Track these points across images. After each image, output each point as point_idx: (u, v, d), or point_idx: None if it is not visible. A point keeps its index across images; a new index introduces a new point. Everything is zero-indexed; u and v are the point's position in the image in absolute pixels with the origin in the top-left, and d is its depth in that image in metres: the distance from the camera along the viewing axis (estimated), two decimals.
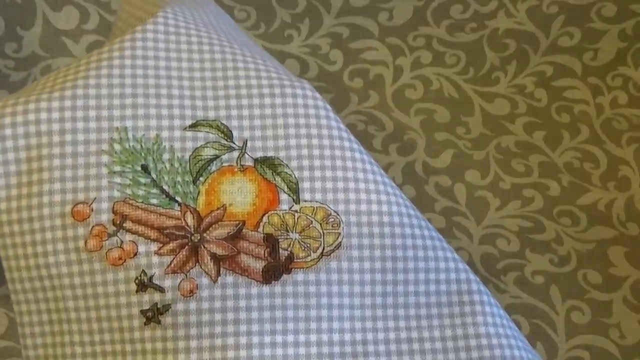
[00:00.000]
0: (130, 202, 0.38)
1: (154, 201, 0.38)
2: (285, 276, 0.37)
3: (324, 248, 0.38)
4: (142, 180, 0.38)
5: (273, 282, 0.37)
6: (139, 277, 0.37)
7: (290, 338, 0.37)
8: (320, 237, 0.38)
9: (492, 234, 0.50)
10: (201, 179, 0.38)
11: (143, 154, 0.39)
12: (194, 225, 0.38)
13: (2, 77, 0.53)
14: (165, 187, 0.38)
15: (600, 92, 0.55)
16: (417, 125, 0.54)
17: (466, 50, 0.56)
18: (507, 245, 0.50)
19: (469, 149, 0.53)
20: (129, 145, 0.39)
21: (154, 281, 0.37)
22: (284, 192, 0.39)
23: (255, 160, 0.39)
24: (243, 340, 0.36)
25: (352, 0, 0.57)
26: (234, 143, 0.39)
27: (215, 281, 0.37)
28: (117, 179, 0.38)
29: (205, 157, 0.39)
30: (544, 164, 0.53)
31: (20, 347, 0.41)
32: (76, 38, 0.55)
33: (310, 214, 0.38)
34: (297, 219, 0.38)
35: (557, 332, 0.47)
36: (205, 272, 0.37)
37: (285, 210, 0.38)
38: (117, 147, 0.38)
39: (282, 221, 0.38)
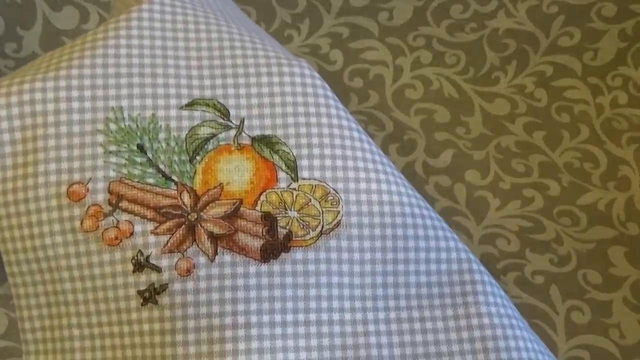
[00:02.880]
0: (126, 181, 0.38)
1: (150, 180, 0.38)
2: (283, 255, 0.37)
3: (323, 226, 0.38)
4: (138, 159, 0.38)
5: (271, 260, 0.37)
6: (136, 257, 0.37)
7: (289, 317, 0.36)
8: (319, 215, 0.38)
9: (492, 234, 0.50)
10: (198, 157, 0.38)
11: (139, 133, 0.38)
12: (190, 204, 0.37)
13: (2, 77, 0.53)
14: (162, 167, 0.38)
15: (600, 92, 0.55)
16: (417, 125, 0.54)
17: (466, 50, 0.56)
18: (507, 245, 0.50)
19: (469, 149, 0.53)
20: (125, 125, 0.38)
21: (150, 261, 0.37)
22: (282, 170, 0.38)
23: (253, 139, 0.39)
24: (241, 319, 0.36)
25: (352, 0, 0.57)
26: (231, 122, 0.39)
27: (212, 260, 0.37)
28: (113, 159, 0.38)
29: (202, 135, 0.39)
30: (544, 164, 0.53)
31: (20, 344, 0.41)
32: (76, 38, 0.55)
33: (309, 192, 0.38)
34: (296, 197, 0.38)
35: (557, 332, 0.47)
36: (202, 251, 0.37)
37: (283, 188, 0.38)
38: (112, 126, 0.38)
39: (281, 199, 0.38)
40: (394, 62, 0.56)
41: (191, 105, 0.39)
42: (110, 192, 0.37)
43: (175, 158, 0.38)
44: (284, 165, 0.38)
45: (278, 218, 0.37)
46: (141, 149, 0.38)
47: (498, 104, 0.55)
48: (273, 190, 0.38)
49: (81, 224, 0.37)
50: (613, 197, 0.52)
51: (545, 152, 0.53)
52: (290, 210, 0.38)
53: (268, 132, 0.39)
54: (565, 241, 0.50)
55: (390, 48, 0.56)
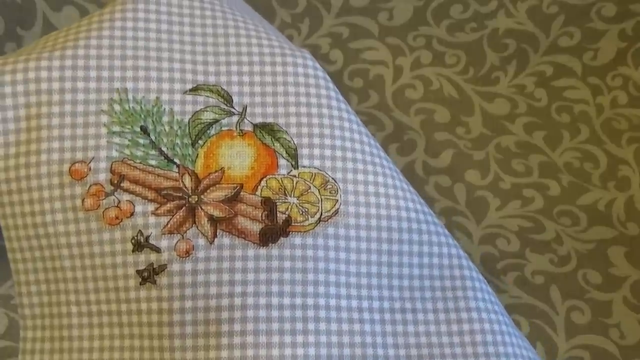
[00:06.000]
0: (129, 162, 0.38)
1: (153, 162, 0.38)
2: (282, 239, 0.37)
3: (321, 214, 0.38)
4: (141, 141, 0.38)
5: (270, 244, 0.37)
6: (136, 237, 0.37)
7: (286, 300, 0.37)
8: (318, 203, 0.38)
9: (492, 234, 0.50)
10: (200, 142, 0.39)
11: (143, 116, 0.39)
12: (191, 187, 0.38)
13: None
14: (164, 149, 0.38)
15: (600, 92, 0.55)
16: (417, 125, 0.54)
17: (466, 50, 0.56)
18: (507, 245, 0.50)
19: (469, 149, 0.53)
20: (129, 107, 0.39)
21: (150, 241, 0.37)
22: (283, 157, 0.39)
23: (255, 126, 0.40)
24: (237, 301, 0.36)
25: (352, 0, 0.57)
26: (234, 108, 0.40)
27: (211, 242, 0.37)
28: (116, 139, 0.38)
29: (205, 120, 0.39)
30: (544, 164, 0.53)
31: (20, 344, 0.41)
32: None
33: (309, 180, 0.39)
34: (296, 183, 0.38)
35: (557, 332, 0.47)
36: (201, 233, 0.37)
37: (283, 174, 0.39)
38: (116, 107, 0.39)
39: (281, 185, 0.38)
40: (394, 62, 0.56)
41: (195, 90, 0.40)
42: (112, 172, 0.38)
43: (178, 141, 0.39)
44: (284, 152, 0.39)
45: (278, 203, 0.38)
46: (144, 130, 0.39)
47: (498, 104, 0.55)
48: (273, 176, 0.38)
49: (82, 202, 0.37)
50: (613, 197, 0.52)
51: (545, 152, 0.53)
52: (290, 196, 0.38)
53: (270, 120, 0.40)
54: (565, 241, 0.50)
55: (390, 48, 0.56)
